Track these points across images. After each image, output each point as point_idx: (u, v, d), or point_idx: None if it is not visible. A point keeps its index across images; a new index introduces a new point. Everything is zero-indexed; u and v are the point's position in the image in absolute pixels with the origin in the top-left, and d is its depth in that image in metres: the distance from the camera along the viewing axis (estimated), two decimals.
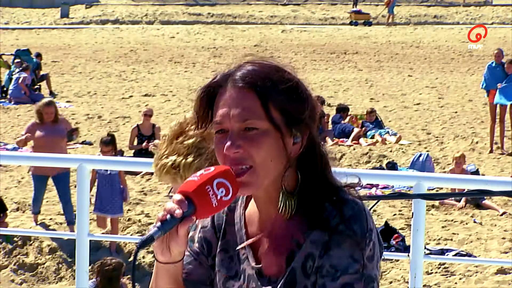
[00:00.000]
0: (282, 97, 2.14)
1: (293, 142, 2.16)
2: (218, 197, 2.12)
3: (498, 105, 16.68)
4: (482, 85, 17.10)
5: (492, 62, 16.83)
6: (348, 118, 18.63)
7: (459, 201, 12.91)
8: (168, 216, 2.09)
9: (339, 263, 2.13)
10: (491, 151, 16.51)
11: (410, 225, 4.20)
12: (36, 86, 23.39)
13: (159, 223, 2.10)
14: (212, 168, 2.15)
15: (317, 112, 2.21)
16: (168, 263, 2.19)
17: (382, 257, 2.25)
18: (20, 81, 22.10)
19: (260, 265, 2.23)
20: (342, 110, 18.60)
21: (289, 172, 2.18)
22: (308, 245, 2.17)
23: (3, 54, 25.22)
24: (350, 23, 44.62)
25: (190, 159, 2.95)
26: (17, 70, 22.80)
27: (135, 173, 14.48)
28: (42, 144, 11.24)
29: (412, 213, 4.14)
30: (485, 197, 12.86)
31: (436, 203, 12.90)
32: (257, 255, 2.26)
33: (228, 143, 2.13)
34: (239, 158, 2.14)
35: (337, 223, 2.14)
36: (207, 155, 2.51)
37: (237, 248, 2.29)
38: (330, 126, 18.18)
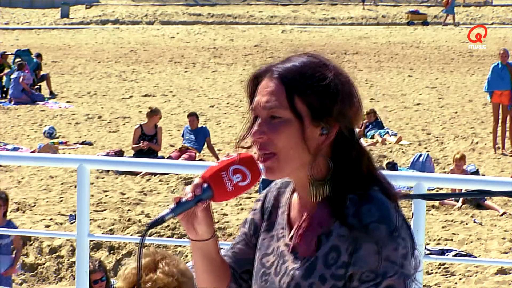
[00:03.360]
0: (309, 91, 2.30)
1: (320, 133, 2.30)
2: (234, 182, 2.32)
3: (500, 106, 16.67)
4: (485, 87, 17.02)
5: (498, 63, 16.78)
6: None
7: (458, 201, 12.91)
8: (183, 198, 2.31)
9: (377, 267, 2.23)
10: (495, 151, 16.50)
11: (410, 225, 4.20)
12: (36, 86, 23.38)
13: (173, 205, 2.31)
14: (234, 155, 2.35)
15: (355, 110, 2.34)
16: (197, 241, 2.38)
17: (415, 250, 2.33)
18: (20, 80, 22.12)
19: (291, 243, 2.37)
20: None
21: (321, 160, 2.31)
22: (335, 237, 2.28)
23: (5, 53, 25.20)
24: (408, 23, 44.53)
25: None
26: (12, 70, 22.77)
27: (135, 173, 14.48)
28: None
29: (412, 213, 4.14)
30: (485, 197, 12.86)
31: (436, 203, 12.90)
32: (292, 235, 2.39)
33: (255, 129, 2.32)
34: (263, 143, 2.31)
35: (366, 223, 2.24)
36: None
37: (277, 228, 2.45)
38: None
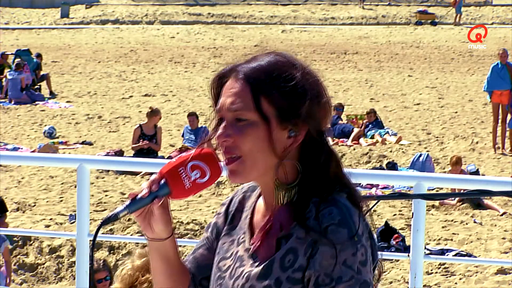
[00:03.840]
0: (276, 92, 2.20)
1: (288, 136, 2.21)
2: (192, 179, 2.23)
3: (500, 105, 16.69)
4: (485, 87, 17.03)
5: (497, 63, 16.79)
6: (345, 116, 18.72)
7: (454, 200, 12.93)
8: (139, 195, 2.21)
9: (333, 271, 2.14)
10: (495, 151, 16.51)
11: (410, 225, 4.20)
12: (36, 86, 23.39)
13: (128, 201, 2.22)
14: (193, 150, 2.25)
15: (324, 112, 2.25)
16: (154, 240, 2.30)
17: (378, 261, 2.27)
18: (25, 80, 22.18)
19: (251, 247, 2.28)
20: (337, 108, 18.65)
21: (288, 164, 2.23)
22: (294, 240, 2.20)
23: (5, 53, 25.21)
24: (416, 23, 44.57)
25: None
26: (12, 71, 22.71)
27: (135, 173, 14.48)
28: None
29: (412, 213, 4.14)
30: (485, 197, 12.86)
31: (436, 203, 12.90)
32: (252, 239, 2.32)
33: (220, 132, 2.22)
34: (228, 147, 2.22)
35: (326, 225, 2.16)
36: None
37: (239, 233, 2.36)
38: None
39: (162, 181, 2.23)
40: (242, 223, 2.37)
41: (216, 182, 2.28)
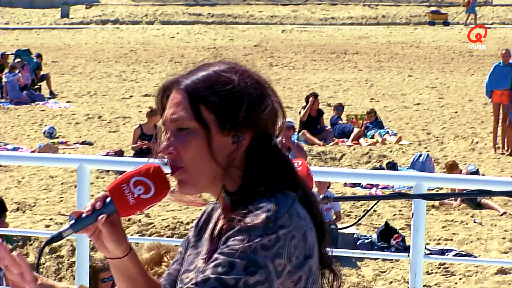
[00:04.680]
0: (214, 98, 2.17)
1: (232, 141, 2.16)
2: (135, 195, 2.18)
3: (501, 105, 16.70)
4: (486, 84, 17.04)
5: (500, 62, 16.81)
6: (345, 116, 18.73)
7: (456, 200, 12.93)
8: (84, 214, 2.17)
9: (231, 242, 2.07)
10: (495, 151, 16.52)
11: (410, 225, 4.21)
12: (36, 86, 23.39)
13: (73, 220, 2.17)
14: (139, 166, 2.22)
15: (269, 114, 2.19)
16: (111, 259, 2.24)
17: (301, 270, 2.12)
18: (18, 79, 22.14)
19: (205, 257, 2.25)
20: (337, 108, 18.67)
21: (234, 171, 2.17)
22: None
23: (5, 53, 25.21)
24: (429, 23, 44.51)
25: None
26: (7, 73, 22.67)
27: None
28: None
29: (412, 213, 4.14)
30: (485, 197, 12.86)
31: (436, 203, 12.90)
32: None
33: (164, 144, 2.19)
34: (173, 159, 2.19)
35: (250, 211, 2.09)
36: None
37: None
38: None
39: (108, 199, 2.19)
40: (207, 234, 2.31)
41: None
